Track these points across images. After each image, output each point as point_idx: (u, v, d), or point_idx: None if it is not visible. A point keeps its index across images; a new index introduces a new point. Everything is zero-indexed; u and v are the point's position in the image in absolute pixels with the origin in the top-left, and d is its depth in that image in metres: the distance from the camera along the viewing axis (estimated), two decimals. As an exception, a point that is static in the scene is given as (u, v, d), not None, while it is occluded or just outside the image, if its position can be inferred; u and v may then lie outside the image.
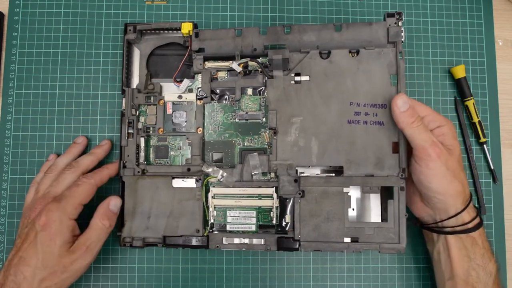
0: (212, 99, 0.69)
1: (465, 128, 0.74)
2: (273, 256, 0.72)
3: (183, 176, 0.67)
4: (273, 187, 0.66)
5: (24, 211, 0.65)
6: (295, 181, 0.65)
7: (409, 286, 0.72)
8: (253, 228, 0.67)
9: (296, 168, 0.65)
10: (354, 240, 0.63)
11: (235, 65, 0.67)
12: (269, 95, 0.66)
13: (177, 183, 0.67)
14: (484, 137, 0.73)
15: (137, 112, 0.69)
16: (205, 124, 0.69)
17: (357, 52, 0.64)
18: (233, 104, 0.69)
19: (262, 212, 0.67)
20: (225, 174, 0.66)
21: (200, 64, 0.68)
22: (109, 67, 0.74)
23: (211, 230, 0.67)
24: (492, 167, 0.74)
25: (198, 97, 0.69)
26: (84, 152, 0.71)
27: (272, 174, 0.66)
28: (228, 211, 0.67)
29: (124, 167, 0.68)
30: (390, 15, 0.64)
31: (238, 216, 0.67)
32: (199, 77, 0.69)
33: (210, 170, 0.66)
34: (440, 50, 0.76)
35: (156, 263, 0.71)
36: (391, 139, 0.63)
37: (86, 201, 0.62)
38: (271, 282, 0.71)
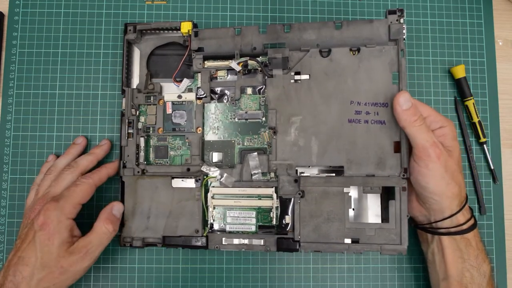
0: (211, 98, 0.66)
1: (465, 128, 0.71)
2: (273, 256, 0.69)
3: (182, 176, 0.64)
4: (272, 187, 0.63)
5: (25, 212, 0.63)
6: (295, 181, 0.61)
7: (409, 286, 0.69)
8: (253, 228, 0.64)
9: (296, 168, 0.62)
10: (355, 241, 0.60)
11: (234, 64, 0.64)
12: (268, 94, 0.62)
13: (177, 183, 0.64)
14: (484, 137, 0.70)
15: (137, 112, 0.66)
16: (204, 124, 0.66)
17: (358, 50, 0.61)
18: (233, 103, 0.65)
19: (262, 213, 0.64)
20: (224, 174, 0.63)
21: (200, 64, 0.65)
22: (109, 67, 0.71)
23: (210, 231, 0.64)
24: (492, 167, 0.71)
25: (197, 96, 0.66)
26: (84, 152, 0.68)
27: (272, 174, 0.63)
28: (227, 212, 0.64)
29: (124, 167, 0.65)
30: (392, 12, 0.60)
31: (238, 217, 0.64)
32: (198, 76, 0.66)
33: (209, 170, 0.63)
34: (440, 50, 0.73)
35: (156, 263, 0.68)
36: (393, 138, 0.59)
37: (85, 200, 0.60)
38: (271, 282, 0.68)
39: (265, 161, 0.62)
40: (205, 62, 0.65)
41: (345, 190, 0.60)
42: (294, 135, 0.61)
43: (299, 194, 0.61)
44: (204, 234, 0.63)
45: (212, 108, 0.66)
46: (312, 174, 0.62)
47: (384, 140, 0.59)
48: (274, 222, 0.63)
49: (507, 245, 0.70)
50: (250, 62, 0.64)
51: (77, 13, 0.72)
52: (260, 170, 0.62)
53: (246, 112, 0.65)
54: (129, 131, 0.65)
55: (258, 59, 0.63)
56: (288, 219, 0.63)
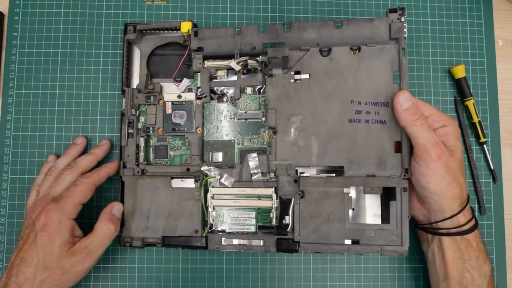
0: (211, 98, 0.63)
1: (465, 128, 0.68)
2: (273, 256, 0.66)
3: (182, 176, 0.62)
4: (272, 187, 0.60)
5: (26, 213, 0.61)
6: (295, 181, 0.59)
7: (409, 286, 0.66)
8: (253, 229, 0.61)
9: (296, 168, 0.59)
10: (355, 242, 0.57)
11: (233, 64, 0.61)
12: (268, 94, 0.60)
13: (176, 183, 0.62)
14: (484, 137, 0.68)
15: (137, 112, 0.64)
16: (204, 124, 0.63)
17: (359, 49, 0.58)
18: (233, 103, 0.63)
19: (262, 213, 0.62)
20: (224, 174, 0.61)
21: (200, 63, 0.63)
22: (109, 67, 0.69)
23: (210, 231, 0.62)
24: (492, 167, 0.68)
25: (197, 96, 0.63)
26: (84, 152, 0.66)
27: (272, 174, 0.60)
28: (227, 212, 0.62)
29: (124, 167, 0.62)
30: (393, 11, 0.57)
31: (238, 217, 0.62)
32: (198, 76, 0.64)
33: (209, 170, 0.61)
34: (440, 50, 0.70)
35: (156, 263, 0.66)
36: (394, 138, 0.57)
37: (85, 200, 0.58)
38: (271, 282, 0.66)
39: (264, 161, 0.59)
40: (205, 62, 0.63)
41: (345, 190, 0.57)
42: (294, 135, 0.59)
43: (299, 194, 0.58)
44: (204, 235, 0.61)
45: (212, 108, 0.63)
46: (312, 174, 0.59)
47: (384, 140, 0.57)
48: (274, 223, 0.60)
49: (507, 245, 0.67)
50: (250, 61, 0.61)
51: (77, 13, 0.70)
52: (259, 170, 0.60)
53: (245, 112, 0.62)
54: (129, 131, 0.63)
55: (258, 58, 0.61)
56: (288, 219, 0.60)
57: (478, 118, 0.67)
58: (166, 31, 0.65)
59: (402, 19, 0.57)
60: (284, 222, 0.60)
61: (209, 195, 0.61)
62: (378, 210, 0.60)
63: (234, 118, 0.63)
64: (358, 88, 0.57)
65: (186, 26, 0.62)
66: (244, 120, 0.63)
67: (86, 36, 0.69)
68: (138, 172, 0.62)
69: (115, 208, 0.60)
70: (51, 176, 0.61)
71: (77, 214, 0.57)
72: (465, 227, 0.55)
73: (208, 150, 0.63)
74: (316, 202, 0.58)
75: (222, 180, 0.60)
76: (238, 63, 0.61)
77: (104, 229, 0.57)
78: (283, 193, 0.59)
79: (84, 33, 0.69)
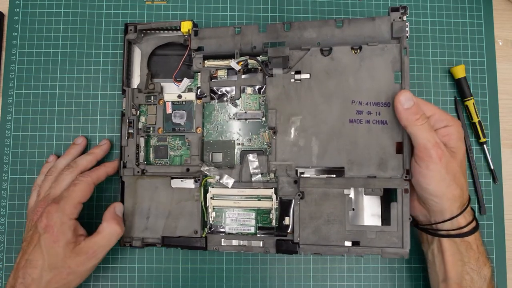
0: (211, 98, 0.61)
1: (465, 128, 0.66)
2: (273, 256, 0.64)
3: (182, 176, 0.59)
4: (272, 188, 0.58)
5: (28, 214, 0.60)
6: (295, 182, 0.56)
7: (409, 286, 0.64)
8: (252, 230, 0.59)
9: (296, 169, 0.56)
10: (355, 243, 0.54)
11: (233, 64, 0.58)
12: (268, 93, 0.57)
13: (176, 183, 0.60)
14: (484, 137, 0.66)
15: (137, 112, 0.62)
16: (204, 124, 0.61)
17: (360, 49, 0.55)
18: (233, 103, 0.60)
19: (262, 214, 0.59)
20: (224, 174, 0.58)
21: (200, 63, 0.60)
22: (109, 67, 0.66)
23: (209, 231, 0.59)
24: (492, 167, 0.66)
25: (197, 96, 0.61)
26: (85, 152, 0.64)
27: (272, 175, 0.58)
28: (227, 212, 0.60)
29: (124, 167, 0.60)
30: (395, 10, 0.54)
31: (237, 218, 0.59)
32: (198, 76, 0.61)
33: (209, 170, 0.58)
34: (440, 50, 0.67)
35: (156, 263, 0.64)
36: (395, 139, 0.54)
37: (85, 199, 0.56)
38: (271, 282, 0.64)
39: (264, 161, 0.57)
40: (205, 61, 0.61)
41: (346, 191, 0.55)
42: (294, 135, 0.56)
43: (299, 195, 0.55)
44: (203, 235, 0.58)
45: (212, 108, 0.61)
46: (312, 175, 0.56)
47: (386, 140, 0.54)
48: (273, 224, 0.58)
49: (507, 245, 0.65)
50: (250, 61, 0.59)
51: (77, 13, 0.67)
52: (259, 171, 0.57)
53: (246, 112, 0.60)
54: (129, 131, 0.61)
55: (258, 58, 0.58)
56: (288, 220, 0.57)
57: (478, 118, 0.65)
58: (166, 31, 0.63)
59: (404, 18, 0.54)
60: (284, 223, 0.57)
61: (208, 195, 0.59)
62: (377, 211, 0.57)
63: (234, 118, 0.60)
64: (359, 88, 0.55)
65: (186, 26, 0.60)
66: (244, 120, 0.60)
67: (86, 36, 0.67)
68: (138, 172, 0.60)
69: (117, 208, 0.58)
70: (51, 176, 0.60)
71: (78, 214, 0.55)
72: (465, 229, 0.53)
73: (208, 150, 0.61)
74: (316, 203, 0.55)
75: (222, 181, 0.58)
76: (238, 62, 0.58)
77: (110, 230, 0.55)
78: (283, 194, 0.56)
79: (84, 33, 0.67)
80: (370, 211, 0.57)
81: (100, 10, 0.67)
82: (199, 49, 0.60)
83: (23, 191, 0.64)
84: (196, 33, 0.60)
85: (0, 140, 0.65)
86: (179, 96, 0.61)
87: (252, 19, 0.68)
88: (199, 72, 0.61)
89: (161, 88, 0.62)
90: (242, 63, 0.59)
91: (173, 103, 0.61)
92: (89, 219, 0.64)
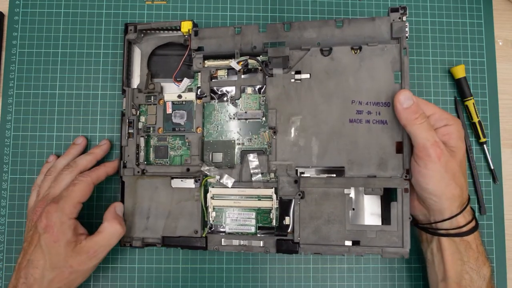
0: (211, 98, 0.61)
1: (465, 128, 0.66)
2: (273, 256, 0.64)
3: (182, 176, 0.60)
4: (272, 188, 0.58)
5: (28, 214, 0.60)
6: (295, 182, 0.56)
7: (409, 286, 0.64)
8: (252, 229, 0.59)
9: (296, 169, 0.57)
10: (355, 243, 0.55)
11: (234, 64, 0.59)
12: (268, 93, 0.57)
13: (176, 183, 0.60)
14: (484, 137, 0.66)
15: (137, 112, 0.62)
16: (204, 124, 0.61)
17: (360, 49, 0.55)
18: (233, 103, 0.61)
19: (262, 213, 0.59)
20: (224, 174, 0.58)
21: (200, 63, 0.61)
22: (109, 67, 0.67)
23: (209, 231, 0.60)
24: (492, 167, 0.66)
25: (197, 96, 0.61)
26: (84, 152, 0.64)
27: (272, 175, 0.58)
28: (227, 212, 0.60)
29: (124, 167, 0.60)
30: (394, 10, 0.55)
31: (237, 218, 0.59)
32: (198, 76, 0.62)
33: (209, 170, 0.58)
34: (440, 50, 0.68)
35: (156, 263, 0.64)
36: (395, 138, 0.54)
37: (84, 199, 0.56)
38: (271, 282, 0.64)
39: (265, 161, 0.57)
40: (205, 61, 0.61)
41: (346, 191, 0.55)
42: (294, 135, 0.56)
43: (299, 195, 0.55)
44: (203, 235, 0.59)
45: (212, 107, 0.61)
46: (312, 174, 0.57)
47: (386, 140, 0.54)
48: (274, 223, 0.58)
49: (507, 245, 0.65)
50: (250, 61, 0.59)
51: (77, 13, 0.67)
52: (260, 171, 0.57)
53: (246, 112, 0.60)
54: (130, 131, 0.61)
55: (258, 58, 0.59)
56: (288, 220, 0.57)
57: (478, 118, 0.65)
58: (166, 31, 0.63)
59: (404, 18, 0.54)
60: (284, 222, 0.57)
61: (209, 195, 0.59)
62: (377, 210, 0.57)
63: (234, 118, 0.61)
64: (359, 88, 0.55)
65: (186, 26, 0.60)
66: (244, 120, 0.60)
67: (86, 36, 0.67)
68: (138, 172, 0.60)
69: (118, 208, 0.58)
70: (50, 176, 0.60)
71: (78, 213, 0.55)
72: (465, 229, 0.53)
73: (208, 150, 0.61)
74: (316, 202, 0.55)
75: (222, 181, 0.58)
76: (238, 62, 0.59)
77: (111, 229, 0.55)
78: (283, 193, 0.56)
79: (84, 33, 0.67)
80: (370, 211, 0.57)
81: (100, 10, 0.67)
82: (199, 49, 0.60)
83: (23, 191, 0.64)
84: (196, 33, 0.60)
85: (0, 140, 0.65)
86: (179, 96, 0.61)
87: (252, 19, 0.68)
88: (199, 72, 0.61)
89: (161, 88, 0.62)
90: (242, 63, 0.59)
91: (173, 103, 0.61)
92: (89, 219, 0.64)
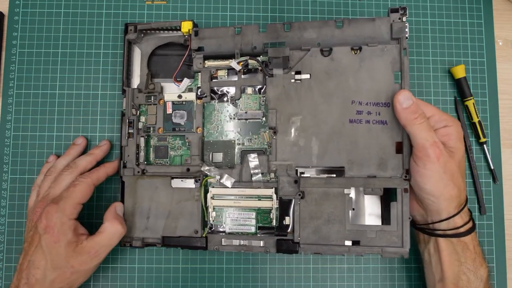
0: (212, 98, 0.61)
1: (465, 128, 0.66)
2: (273, 256, 0.65)
3: (182, 176, 0.60)
4: (272, 188, 0.58)
5: (28, 214, 0.61)
6: (295, 182, 0.56)
7: (409, 286, 0.64)
8: (253, 229, 0.59)
9: (296, 169, 0.57)
10: (355, 243, 0.55)
11: (234, 64, 0.59)
12: (269, 94, 0.58)
13: (176, 183, 0.60)
14: (484, 137, 0.66)
15: (138, 112, 0.62)
16: (204, 124, 0.61)
17: (360, 49, 0.56)
18: (233, 103, 0.61)
19: (262, 213, 0.59)
20: (224, 174, 0.58)
21: (200, 63, 0.61)
22: (109, 67, 0.67)
23: (210, 231, 0.60)
24: (492, 167, 0.66)
25: (198, 96, 0.61)
26: (84, 152, 0.64)
27: (272, 175, 0.58)
28: (227, 212, 0.60)
29: (124, 167, 0.61)
30: (394, 10, 0.55)
31: (237, 217, 0.60)
32: (199, 76, 0.62)
33: (209, 170, 0.58)
34: (440, 50, 0.68)
35: (156, 263, 0.64)
36: (395, 139, 0.54)
37: (85, 200, 0.56)
38: (271, 282, 0.64)
39: (265, 161, 0.57)
40: (205, 61, 0.61)
41: (346, 191, 0.55)
42: (294, 135, 0.56)
43: (299, 195, 0.56)
44: (204, 235, 0.59)
45: (212, 108, 0.61)
46: (312, 175, 0.57)
47: (385, 140, 0.54)
48: (274, 223, 0.58)
49: (507, 245, 0.65)
50: (250, 61, 0.59)
51: (77, 13, 0.68)
52: (260, 171, 0.57)
53: (246, 112, 0.60)
54: (130, 131, 0.61)
55: (259, 58, 0.59)
56: (288, 220, 0.58)
57: (478, 118, 0.65)
58: (166, 31, 0.63)
59: (404, 18, 0.54)
60: (284, 222, 0.58)
61: (209, 195, 0.59)
62: (377, 210, 0.58)
63: (234, 118, 0.61)
64: (359, 88, 0.55)
65: (186, 26, 0.60)
66: (244, 120, 0.60)
67: (86, 36, 0.67)
68: (138, 172, 0.60)
69: (118, 208, 0.58)
70: (50, 176, 0.60)
71: (77, 214, 0.55)
72: (462, 230, 0.53)
73: (208, 150, 0.61)
74: (316, 202, 0.56)
75: (222, 181, 0.58)
76: (238, 63, 0.59)
77: (112, 229, 0.55)
78: (283, 193, 0.57)
79: (84, 33, 0.67)
80: (370, 211, 0.58)
81: (100, 10, 0.67)
82: (199, 49, 0.61)
83: (23, 191, 0.64)
84: (196, 33, 0.60)
85: (0, 140, 0.65)
86: (179, 96, 0.61)
87: (252, 19, 0.68)
88: (199, 72, 0.61)
89: (161, 88, 0.62)
90: (242, 63, 0.59)
91: (173, 103, 0.61)
92: (89, 219, 0.64)
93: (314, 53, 0.56)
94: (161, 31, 0.63)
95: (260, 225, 0.59)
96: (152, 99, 0.61)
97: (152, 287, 0.64)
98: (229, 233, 0.59)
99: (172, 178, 0.60)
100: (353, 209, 0.57)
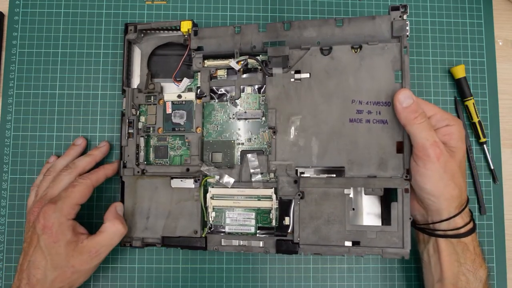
0: (211, 98, 0.60)
1: (465, 128, 0.65)
2: (273, 256, 0.63)
3: (182, 176, 0.58)
4: (272, 188, 0.57)
5: (27, 214, 0.59)
6: (295, 182, 0.55)
7: (409, 286, 0.63)
8: (252, 229, 0.58)
9: (296, 169, 0.55)
10: (355, 243, 0.53)
11: (233, 63, 0.58)
12: (268, 93, 0.56)
13: (176, 183, 0.59)
14: (484, 137, 0.65)
15: (137, 112, 0.61)
16: (204, 124, 0.60)
17: (360, 48, 0.54)
18: (233, 103, 0.59)
19: (262, 214, 0.58)
20: (224, 174, 0.57)
21: (200, 63, 0.59)
22: (109, 67, 0.66)
23: (209, 231, 0.58)
24: (492, 167, 0.65)
25: (197, 96, 0.60)
26: (84, 153, 0.63)
27: (272, 175, 0.57)
28: (227, 212, 0.59)
29: (124, 167, 0.59)
30: (395, 8, 0.53)
31: (237, 218, 0.58)
32: (198, 76, 0.61)
33: (208, 170, 0.57)
34: (440, 50, 0.66)
35: (156, 263, 0.63)
36: (395, 138, 0.53)
37: (83, 201, 0.55)
38: (271, 282, 0.63)
39: (264, 161, 0.56)
40: (205, 61, 0.60)
41: (346, 191, 0.54)
42: (294, 135, 0.55)
43: (299, 195, 0.54)
44: (203, 235, 0.57)
45: (212, 107, 0.60)
46: (312, 175, 0.55)
47: (386, 140, 0.53)
48: (273, 224, 0.57)
49: (507, 245, 0.64)
50: (250, 60, 0.58)
51: (77, 13, 0.66)
52: (259, 171, 0.56)
53: (245, 112, 0.59)
54: (129, 131, 0.60)
55: (258, 57, 0.58)
56: (288, 220, 0.56)
57: (478, 118, 0.64)
58: (166, 31, 0.62)
59: (404, 16, 0.53)
60: (284, 223, 0.56)
61: (208, 195, 0.58)
62: (377, 211, 0.56)
63: (234, 118, 0.59)
64: (359, 88, 0.54)
65: (186, 26, 0.59)
66: (244, 120, 0.59)
67: (86, 36, 0.66)
68: (138, 172, 0.59)
69: (118, 208, 0.57)
70: (49, 176, 0.59)
71: (75, 215, 0.55)
72: (462, 230, 0.52)
73: (208, 150, 0.60)
74: (316, 203, 0.54)
75: (222, 181, 0.57)
76: (238, 62, 0.58)
77: (113, 229, 0.55)
78: (283, 193, 0.55)
79: (84, 33, 0.66)
80: (370, 211, 0.56)
81: (100, 10, 0.66)
82: (199, 48, 0.59)
83: (23, 191, 0.63)
84: (196, 33, 0.59)
85: (0, 140, 0.64)
86: (179, 96, 0.60)
87: (252, 18, 0.67)
88: (199, 72, 0.60)
89: (161, 88, 0.61)
90: (242, 62, 0.58)
91: (173, 103, 0.60)
92: (89, 219, 0.63)
93: (314, 52, 0.55)
94: (161, 31, 0.62)
95: (260, 225, 0.58)
96: (152, 99, 0.60)
97: (152, 287, 0.62)
98: (229, 233, 0.58)
99: (172, 178, 0.58)
100: (353, 209, 0.55)
